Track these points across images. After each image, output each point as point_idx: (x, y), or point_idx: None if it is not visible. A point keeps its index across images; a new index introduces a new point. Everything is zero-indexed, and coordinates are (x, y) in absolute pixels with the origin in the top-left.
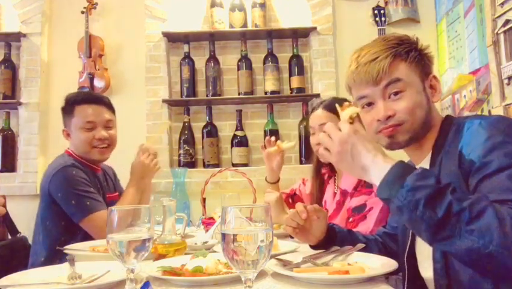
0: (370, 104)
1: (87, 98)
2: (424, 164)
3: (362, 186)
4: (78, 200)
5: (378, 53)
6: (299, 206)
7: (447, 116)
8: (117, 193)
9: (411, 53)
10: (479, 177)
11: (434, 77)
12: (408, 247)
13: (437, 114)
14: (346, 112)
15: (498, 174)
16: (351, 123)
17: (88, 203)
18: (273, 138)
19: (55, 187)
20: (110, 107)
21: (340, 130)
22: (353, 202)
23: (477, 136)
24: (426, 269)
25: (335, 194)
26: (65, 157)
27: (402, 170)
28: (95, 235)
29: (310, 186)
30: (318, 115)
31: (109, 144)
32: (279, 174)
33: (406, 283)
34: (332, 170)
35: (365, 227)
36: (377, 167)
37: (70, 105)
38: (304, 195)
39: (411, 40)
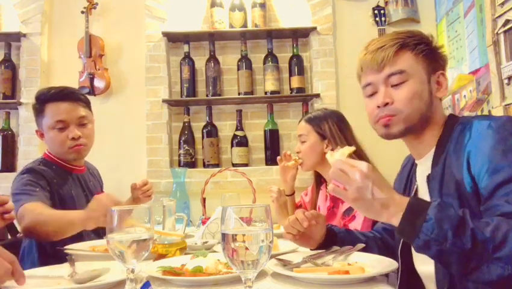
0: (373, 94)
1: (57, 95)
2: (426, 160)
3: None
4: (21, 200)
5: (386, 42)
6: (298, 213)
7: (452, 115)
8: (104, 192)
9: (420, 46)
10: (494, 184)
11: (443, 74)
12: (401, 241)
13: (440, 110)
14: (341, 152)
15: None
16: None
17: (20, 198)
18: (289, 152)
19: (12, 193)
20: (84, 102)
21: (352, 166)
22: (344, 206)
23: (486, 138)
24: (423, 263)
25: (326, 199)
26: (36, 160)
27: (419, 204)
28: (22, 230)
29: (310, 194)
30: (300, 126)
31: (85, 142)
32: (293, 186)
33: (399, 278)
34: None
35: (356, 225)
36: (395, 203)
37: (41, 104)
38: (306, 204)
39: (423, 36)
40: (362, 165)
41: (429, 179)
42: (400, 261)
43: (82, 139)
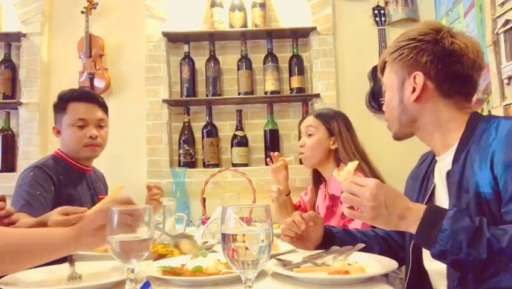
0: None
1: (81, 95)
2: (447, 156)
3: None
4: (19, 201)
5: (382, 56)
6: (295, 216)
7: (475, 112)
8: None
9: (395, 53)
10: None
11: (419, 75)
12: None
13: (430, 112)
14: (347, 170)
15: None
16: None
17: (21, 203)
18: (276, 153)
19: (15, 188)
20: (104, 106)
21: (361, 186)
22: (343, 206)
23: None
24: (433, 260)
25: (325, 198)
26: (46, 157)
27: (435, 214)
28: None
29: (310, 194)
30: (308, 119)
31: (100, 143)
32: (288, 186)
33: (408, 274)
34: (321, 176)
35: (355, 225)
36: (411, 213)
37: (64, 102)
38: (306, 204)
39: (409, 36)
40: (371, 183)
41: (448, 174)
42: (411, 257)
43: (98, 139)
